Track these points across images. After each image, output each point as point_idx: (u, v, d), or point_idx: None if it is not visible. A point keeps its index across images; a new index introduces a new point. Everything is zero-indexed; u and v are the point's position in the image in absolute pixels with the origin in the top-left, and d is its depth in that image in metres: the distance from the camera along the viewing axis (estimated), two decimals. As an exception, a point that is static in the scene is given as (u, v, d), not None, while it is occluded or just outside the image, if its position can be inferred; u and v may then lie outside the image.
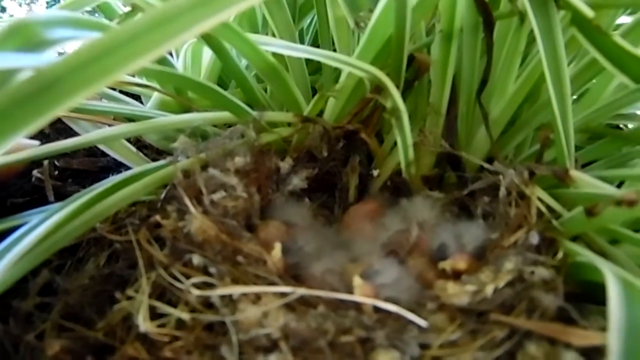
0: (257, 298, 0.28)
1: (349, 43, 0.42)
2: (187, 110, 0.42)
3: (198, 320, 0.28)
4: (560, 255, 0.30)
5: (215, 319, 0.27)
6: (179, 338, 0.27)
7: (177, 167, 0.33)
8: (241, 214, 0.35)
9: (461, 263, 0.31)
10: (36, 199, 0.45)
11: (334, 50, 0.44)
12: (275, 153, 0.40)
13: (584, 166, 0.39)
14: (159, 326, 0.28)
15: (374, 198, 0.41)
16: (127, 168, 0.47)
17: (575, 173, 0.34)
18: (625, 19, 0.42)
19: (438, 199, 0.40)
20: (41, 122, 0.18)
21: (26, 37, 0.24)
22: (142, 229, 0.32)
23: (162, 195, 0.35)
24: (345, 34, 0.43)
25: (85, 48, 0.20)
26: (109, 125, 0.46)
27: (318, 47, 0.49)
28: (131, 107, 0.42)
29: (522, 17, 0.33)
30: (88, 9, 0.46)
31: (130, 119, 0.42)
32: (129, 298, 0.29)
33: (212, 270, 0.29)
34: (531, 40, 0.34)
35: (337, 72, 0.44)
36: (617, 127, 0.51)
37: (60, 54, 0.36)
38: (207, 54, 0.49)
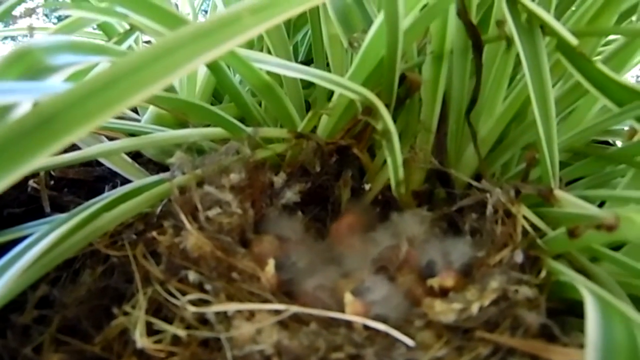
0: (251, 315, 0.29)
1: (343, 60, 0.43)
2: (183, 124, 0.43)
3: (193, 336, 0.28)
4: (543, 274, 0.31)
5: (211, 335, 0.28)
6: (175, 354, 0.28)
7: (173, 183, 0.34)
8: (236, 229, 0.35)
9: (448, 280, 0.32)
10: (32, 209, 0.46)
11: (328, 65, 0.45)
12: (270, 168, 0.41)
13: (568, 184, 0.41)
14: (156, 342, 0.28)
15: (353, 211, 0.42)
16: (122, 178, 0.48)
17: (559, 193, 0.35)
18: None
19: (427, 215, 0.41)
20: (40, 157, 0.18)
21: (29, 64, 0.24)
22: (138, 244, 0.33)
23: (159, 210, 0.35)
24: (339, 51, 0.44)
25: (85, 82, 0.20)
26: (107, 137, 0.46)
27: (312, 60, 0.50)
28: (130, 123, 0.43)
29: (510, 41, 0.34)
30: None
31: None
32: (126, 313, 0.30)
33: (208, 286, 0.30)
34: (519, 62, 0.35)
35: (331, 87, 0.45)
36: (604, 142, 0.53)
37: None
38: (203, 68, 0.49)
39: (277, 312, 0.29)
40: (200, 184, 0.36)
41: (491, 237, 0.35)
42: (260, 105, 0.46)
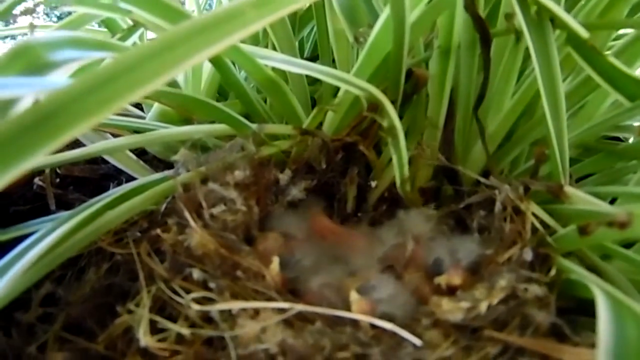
0: (255, 313, 0.29)
1: (349, 55, 0.42)
2: (187, 120, 0.43)
3: (198, 335, 0.28)
4: (553, 272, 0.31)
5: (215, 333, 0.28)
6: (179, 352, 0.28)
7: (177, 180, 0.34)
8: (240, 227, 0.35)
9: (456, 278, 0.32)
10: (38, 206, 0.46)
11: (333, 61, 0.45)
12: (275, 165, 0.41)
13: (579, 180, 0.40)
14: (160, 340, 0.28)
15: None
16: (128, 175, 0.47)
17: (569, 189, 0.34)
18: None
19: (434, 212, 0.40)
20: (41, 153, 0.18)
21: (30, 60, 0.24)
22: (142, 241, 0.33)
23: (163, 208, 0.35)
24: (345, 46, 0.43)
25: (85, 77, 0.20)
26: (112, 134, 0.46)
27: (318, 56, 0.49)
28: (134, 120, 0.43)
29: (519, 35, 0.34)
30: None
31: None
32: (130, 312, 0.30)
33: (212, 285, 0.30)
34: (528, 56, 0.34)
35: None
36: (615, 138, 0.52)
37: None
38: (208, 64, 0.49)
39: (281, 310, 0.28)
40: (204, 181, 0.36)
41: (500, 234, 0.34)
42: (265, 101, 0.46)
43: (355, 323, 0.29)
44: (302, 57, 0.53)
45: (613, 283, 0.32)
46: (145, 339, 0.27)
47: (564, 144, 0.34)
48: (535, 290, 0.29)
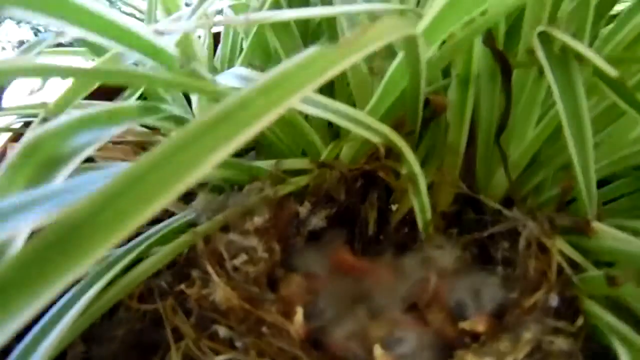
0: (281, 374, 0.29)
1: (366, 87, 0.40)
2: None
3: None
4: (580, 321, 0.30)
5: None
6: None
7: (197, 234, 0.34)
8: (263, 275, 0.35)
9: (480, 326, 0.32)
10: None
11: (348, 85, 0.44)
12: (294, 197, 0.41)
13: (609, 202, 0.38)
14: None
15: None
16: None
17: (597, 225, 0.33)
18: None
19: (457, 240, 0.40)
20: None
21: (42, 158, 0.24)
22: (169, 296, 0.34)
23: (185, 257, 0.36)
24: (361, 79, 0.41)
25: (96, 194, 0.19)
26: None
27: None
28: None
29: (541, 69, 0.32)
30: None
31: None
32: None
33: (238, 344, 0.31)
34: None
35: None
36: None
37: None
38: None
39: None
40: (224, 228, 0.36)
41: (524, 272, 0.34)
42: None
43: (380, 380, 0.29)
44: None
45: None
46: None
47: (591, 178, 0.33)
48: (561, 344, 0.29)
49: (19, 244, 0.20)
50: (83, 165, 0.30)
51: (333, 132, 0.45)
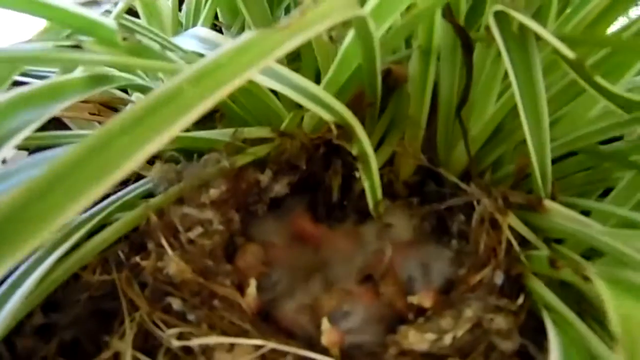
0: (231, 347, 0.30)
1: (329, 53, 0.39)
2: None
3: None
4: (521, 299, 0.31)
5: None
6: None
7: (150, 207, 0.34)
8: (220, 246, 0.36)
9: (427, 301, 0.33)
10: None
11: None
12: (254, 166, 0.40)
13: (562, 178, 0.39)
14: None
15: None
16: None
17: (548, 204, 0.34)
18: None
19: (417, 210, 0.40)
20: None
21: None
22: (124, 268, 0.34)
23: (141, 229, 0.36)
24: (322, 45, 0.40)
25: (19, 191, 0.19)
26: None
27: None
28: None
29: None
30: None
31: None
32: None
33: (191, 317, 0.32)
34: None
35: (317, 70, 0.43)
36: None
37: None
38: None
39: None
40: (179, 200, 0.36)
41: (475, 248, 0.35)
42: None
43: (325, 352, 0.30)
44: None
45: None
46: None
47: (546, 155, 0.33)
48: (500, 322, 0.30)
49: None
50: (49, 125, 0.29)
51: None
